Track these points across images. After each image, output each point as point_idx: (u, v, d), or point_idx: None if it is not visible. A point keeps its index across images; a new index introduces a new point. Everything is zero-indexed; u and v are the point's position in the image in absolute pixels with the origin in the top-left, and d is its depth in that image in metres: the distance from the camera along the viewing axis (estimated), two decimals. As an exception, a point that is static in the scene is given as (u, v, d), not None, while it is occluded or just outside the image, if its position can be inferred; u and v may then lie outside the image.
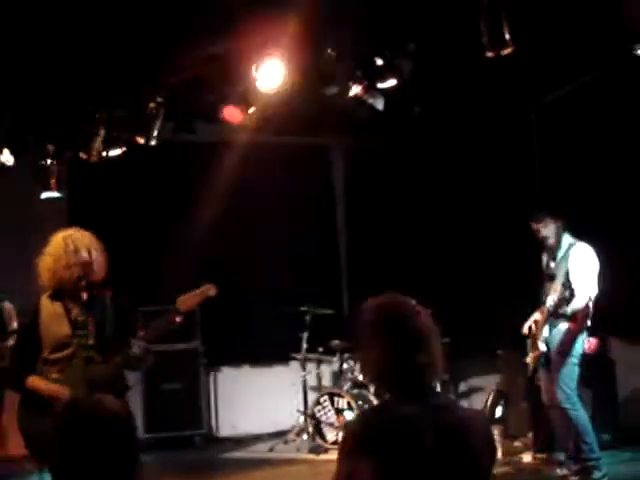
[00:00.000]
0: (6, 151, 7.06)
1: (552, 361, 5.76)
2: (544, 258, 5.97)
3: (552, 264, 5.86)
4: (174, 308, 4.19)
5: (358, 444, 2.26)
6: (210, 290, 4.26)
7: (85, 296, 4.22)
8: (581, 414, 5.68)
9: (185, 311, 4.19)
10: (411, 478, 2.24)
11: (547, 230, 5.85)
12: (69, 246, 4.18)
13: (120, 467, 2.35)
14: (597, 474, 5.65)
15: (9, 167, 7.18)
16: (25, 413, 4.16)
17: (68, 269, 4.15)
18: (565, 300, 5.68)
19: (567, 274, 5.72)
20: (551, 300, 5.68)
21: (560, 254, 5.80)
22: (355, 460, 2.24)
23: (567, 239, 5.83)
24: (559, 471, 5.91)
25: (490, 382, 7.74)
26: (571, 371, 5.72)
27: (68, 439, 2.37)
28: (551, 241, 5.86)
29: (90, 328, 4.17)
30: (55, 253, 4.19)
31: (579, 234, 5.89)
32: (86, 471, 2.32)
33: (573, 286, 5.71)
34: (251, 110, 6.37)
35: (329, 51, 5.63)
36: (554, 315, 5.70)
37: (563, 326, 5.73)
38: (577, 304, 5.67)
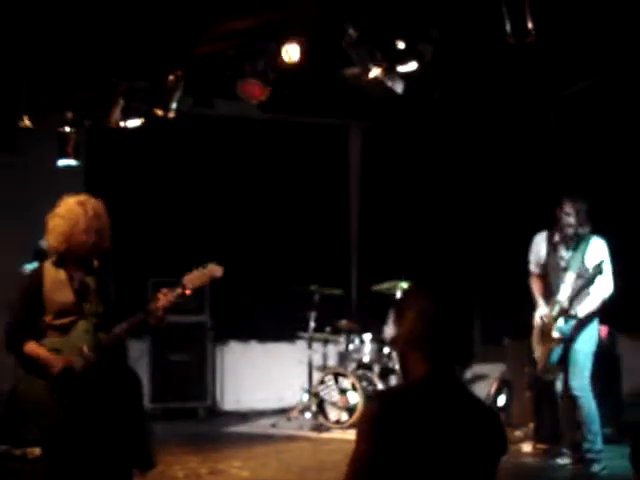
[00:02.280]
0: (25, 117, 7.10)
1: (570, 350, 5.76)
2: (543, 246, 5.91)
3: (565, 254, 5.82)
4: (180, 284, 4.20)
5: (378, 426, 2.28)
6: (216, 271, 4.26)
7: (97, 263, 4.24)
8: (592, 404, 5.71)
9: (191, 289, 4.21)
10: (425, 466, 2.27)
11: (577, 217, 5.72)
12: (89, 212, 4.14)
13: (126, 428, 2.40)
14: (596, 467, 5.68)
15: (27, 133, 7.21)
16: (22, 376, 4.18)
17: (86, 234, 4.12)
18: (579, 294, 5.67)
19: (583, 266, 5.70)
20: (565, 294, 5.67)
21: (573, 245, 5.78)
22: (373, 441, 2.27)
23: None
24: (560, 460, 5.94)
25: (495, 371, 7.76)
26: (589, 360, 5.75)
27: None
28: (572, 230, 5.75)
29: (96, 295, 4.18)
30: (71, 217, 4.12)
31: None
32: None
33: (590, 283, 5.69)
34: (269, 88, 6.36)
35: (350, 32, 5.60)
36: (566, 312, 5.69)
37: (583, 318, 5.74)
38: (590, 305, 5.68)
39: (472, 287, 7.99)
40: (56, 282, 4.16)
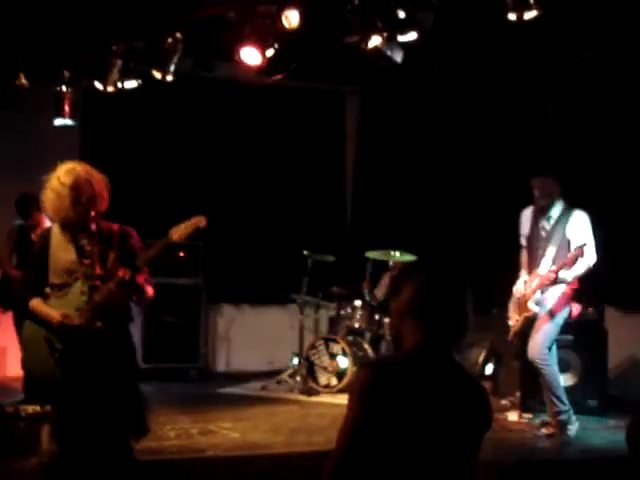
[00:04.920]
0: (21, 75, 7.06)
1: (538, 319, 5.86)
2: (529, 219, 6.04)
3: (546, 225, 5.94)
4: (165, 238, 4.26)
5: (369, 393, 2.33)
6: (200, 221, 4.31)
7: (94, 227, 4.30)
8: (554, 369, 5.82)
9: (176, 241, 4.27)
10: (412, 434, 2.33)
11: (540, 190, 5.89)
12: (74, 183, 4.20)
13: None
14: (572, 429, 5.81)
15: (25, 91, 7.18)
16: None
17: (74, 205, 4.20)
18: (565, 265, 5.74)
19: (564, 238, 5.80)
20: (546, 265, 5.77)
21: (554, 217, 5.88)
22: (365, 407, 2.32)
23: (560, 204, 5.90)
24: (544, 430, 6.03)
25: (483, 340, 7.82)
26: (554, 332, 5.85)
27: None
28: (546, 201, 5.90)
29: (96, 257, 4.25)
30: (59, 191, 4.21)
31: (579, 200, 5.95)
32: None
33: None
34: (269, 52, 6.34)
35: (352, -1, 5.58)
36: (553, 281, 5.76)
37: (559, 289, 5.82)
38: (578, 271, 5.75)
39: (462, 256, 8.02)
40: (61, 243, 4.31)
